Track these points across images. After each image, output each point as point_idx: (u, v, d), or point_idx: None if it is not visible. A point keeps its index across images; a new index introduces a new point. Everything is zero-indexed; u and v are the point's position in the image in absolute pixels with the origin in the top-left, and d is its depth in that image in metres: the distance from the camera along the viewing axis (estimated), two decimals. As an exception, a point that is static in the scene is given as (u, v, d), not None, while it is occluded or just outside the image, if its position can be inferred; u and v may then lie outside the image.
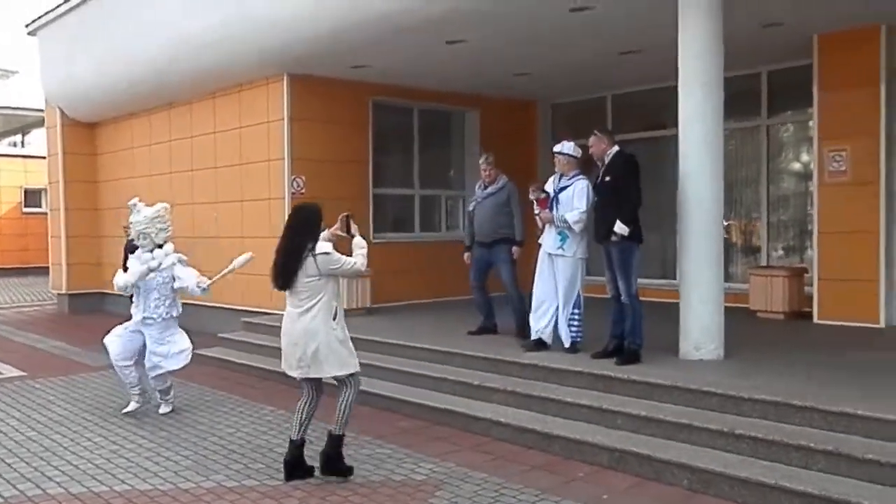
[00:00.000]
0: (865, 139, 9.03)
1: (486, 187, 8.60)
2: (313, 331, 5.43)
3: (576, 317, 7.52)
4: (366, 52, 9.92)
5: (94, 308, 15.28)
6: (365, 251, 5.82)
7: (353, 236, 5.92)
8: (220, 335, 10.70)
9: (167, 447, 6.42)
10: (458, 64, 10.53)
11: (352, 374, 5.62)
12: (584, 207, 7.28)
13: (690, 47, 7.16)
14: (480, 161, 8.71)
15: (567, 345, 7.53)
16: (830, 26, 9.01)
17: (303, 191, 10.85)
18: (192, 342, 7.67)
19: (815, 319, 9.37)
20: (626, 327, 7.01)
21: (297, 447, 5.62)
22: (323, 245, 5.52)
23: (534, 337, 7.76)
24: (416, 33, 9.00)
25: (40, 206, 24.26)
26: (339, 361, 5.52)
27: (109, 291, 14.43)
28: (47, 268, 16.67)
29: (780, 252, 11.21)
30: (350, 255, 5.72)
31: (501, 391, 6.95)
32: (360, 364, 8.32)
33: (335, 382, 5.65)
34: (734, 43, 7.95)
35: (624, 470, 5.65)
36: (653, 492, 5.32)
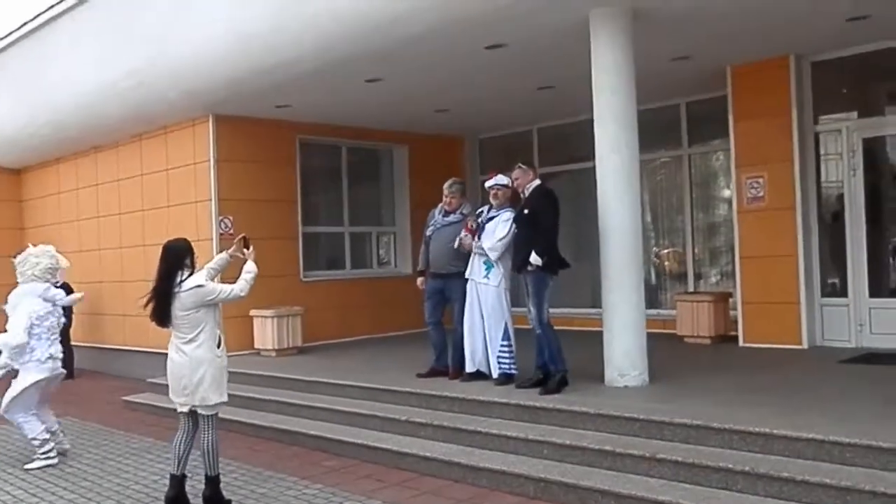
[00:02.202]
0: (780, 166, 9.32)
1: (446, 214, 8.26)
2: (199, 359, 5.55)
3: (506, 348, 7.60)
4: (287, 92, 9.96)
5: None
6: (251, 276, 5.87)
7: (246, 259, 6.00)
8: (148, 380, 10.49)
9: (88, 497, 6.25)
10: (380, 101, 10.64)
11: (214, 414, 5.68)
12: (500, 236, 7.44)
13: (603, 82, 7.34)
14: (445, 186, 8.28)
15: (495, 376, 7.58)
16: (742, 58, 9.32)
17: (231, 231, 10.75)
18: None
19: (741, 343, 9.57)
20: (546, 356, 7.10)
21: (178, 482, 5.67)
22: (195, 278, 5.59)
23: (469, 369, 7.81)
24: (330, 73, 9.09)
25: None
26: (220, 389, 5.65)
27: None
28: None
29: (707, 278, 11.46)
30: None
31: (429, 425, 6.94)
32: (291, 405, 8.37)
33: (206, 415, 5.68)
34: (650, 76, 8.21)
35: (549, 499, 5.67)
36: (577, 520, 5.35)
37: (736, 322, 9.79)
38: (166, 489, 5.78)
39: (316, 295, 11.61)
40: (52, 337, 7.35)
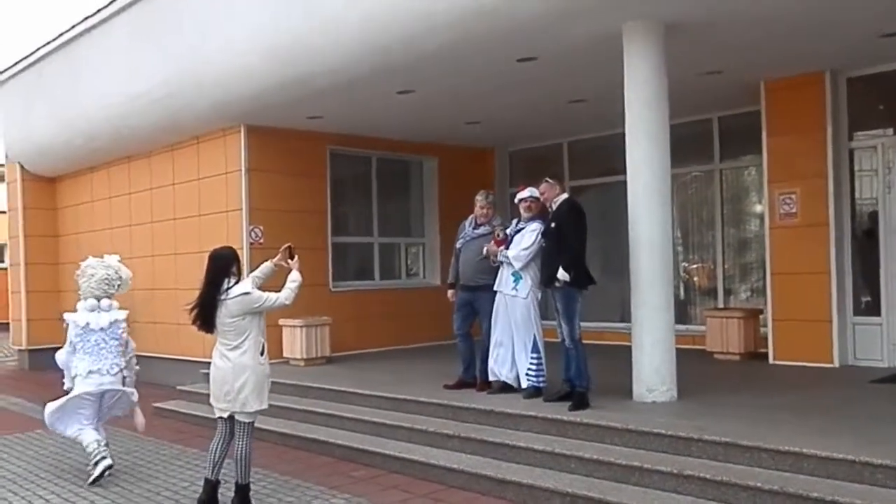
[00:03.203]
0: (814, 181, 9.24)
1: (476, 226, 8.22)
2: (242, 366, 5.64)
3: (534, 361, 7.60)
4: (318, 104, 10.06)
5: (55, 364, 14.98)
6: (296, 285, 5.93)
7: (291, 268, 6.07)
8: (178, 388, 10.59)
9: (119, 503, 6.31)
10: (411, 113, 10.71)
11: (251, 423, 5.77)
12: (525, 246, 7.48)
13: (636, 96, 7.33)
14: (478, 197, 8.25)
15: (524, 386, 7.58)
16: (776, 74, 9.27)
17: (261, 241, 10.88)
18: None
19: (771, 360, 9.48)
20: (572, 372, 7.09)
21: (211, 487, 5.76)
22: (242, 286, 5.69)
23: (494, 379, 7.84)
24: (363, 85, 9.16)
25: (1, 262, 23.97)
26: (261, 396, 5.72)
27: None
28: (8, 323, 16.44)
29: (737, 294, 11.37)
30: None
31: (456, 437, 6.94)
32: (319, 414, 8.40)
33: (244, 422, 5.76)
34: (682, 90, 8.20)
35: (576, 514, 5.66)
36: (604, 535, 5.33)
37: (766, 339, 9.69)
38: (199, 493, 5.85)
39: (344, 305, 11.67)
40: (100, 353, 7.09)
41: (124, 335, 7.34)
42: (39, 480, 7.11)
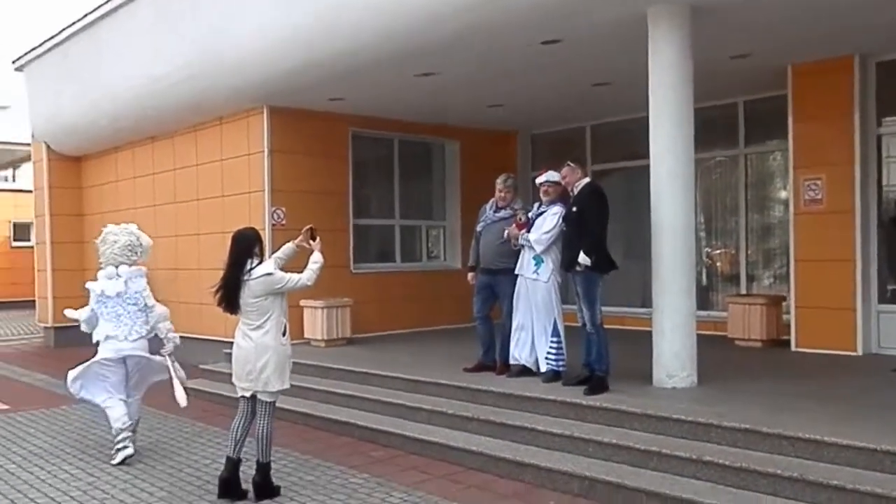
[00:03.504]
0: (840, 168, 9.13)
1: (497, 210, 8.22)
2: (264, 346, 5.70)
3: (554, 345, 7.60)
4: (339, 85, 10.05)
5: (80, 341, 15.11)
6: (318, 266, 5.97)
7: (313, 249, 6.10)
8: (201, 367, 10.69)
9: (142, 479, 6.42)
10: (433, 96, 10.68)
11: (273, 402, 5.82)
12: (546, 229, 7.46)
13: (660, 79, 7.27)
14: (498, 180, 8.23)
15: (544, 370, 7.58)
16: (804, 57, 9.14)
17: (283, 222, 10.93)
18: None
19: (793, 347, 9.41)
20: (592, 356, 7.08)
21: (233, 465, 5.83)
22: (264, 266, 5.73)
23: (514, 362, 7.84)
24: (384, 67, 9.14)
25: (29, 240, 24.25)
26: (282, 376, 5.78)
27: (94, 324, 14.44)
28: (35, 301, 16.65)
29: (759, 280, 11.29)
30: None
31: (475, 420, 6.97)
32: (340, 395, 8.46)
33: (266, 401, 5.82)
34: (708, 74, 8.10)
35: (594, 498, 5.67)
36: (622, 519, 5.34)
37: (789, 326, 9.62)
38: (221, 470, 5.93)
39: (365, 287, 11.72)
40: (118, 319, 7.03)
41: (149, 301, 7.22)
42: (64, 455, 7.23)
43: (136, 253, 7.24)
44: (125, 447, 6.91)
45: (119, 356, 7.06)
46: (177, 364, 7.25)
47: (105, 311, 7.08)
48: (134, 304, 7.11)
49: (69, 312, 7.53)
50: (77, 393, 7.16)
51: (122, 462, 6.85)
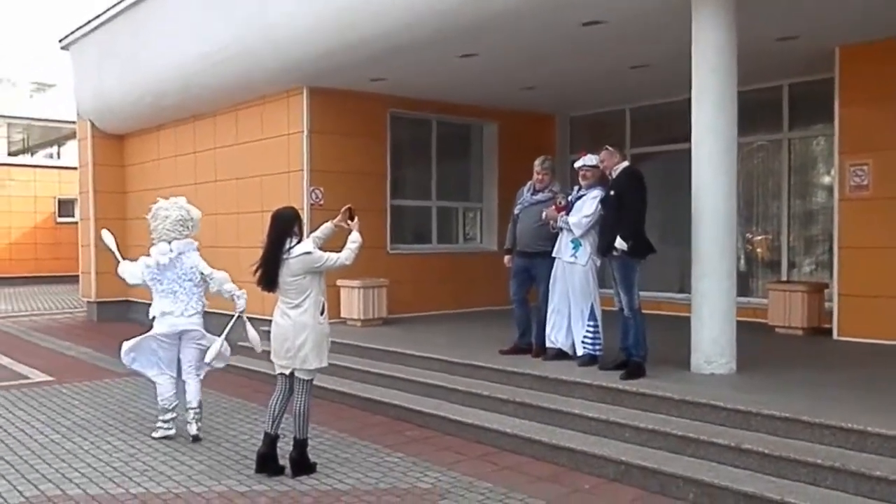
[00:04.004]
0: (888, 154, 8.93)
1: (535, 192, 8.13)
2: (302, 324, 5.76)
3: (591, 329, 7.56)
4: (380, 66, 10.04)
5: (122, 316, 15.51)
6: (356, 246, 6.00)
7: (351, 229, 6.13)
8: (239, 343, 10.79)
9: (182, 452, 6.53)
10: (473, 77, 10.63)
11: (310, 380, 5.90)
12: (586, 213, 7.40)
13: (704, 61, 7.15)
14: (536, 163, 8.14)
15: (580, 354, 7.56)
16: (852, 39, 8.94)
17: (321, 202, 10.98)
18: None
19: (835, 336, 9.26)
20: (630, 341, 7.03)
21: (270, 440, 5.91)
22: (303, 245, 5.77)
23: (550, 345, 7.81)
24: (427, 47, 9.11)
25: (73, 216, 24.70)
26: (320, 355, 5.85)
27: (136, 300, 14.67)
28: (78, 276, 16.98)
29: (802, 267, 11.11)
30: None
31: (510, 402, 6.97)
32: (375, 374, 8.51)
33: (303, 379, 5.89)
34: (753, 56, 7.96)
35: (629, 483, 5.65)
36: (657, 505, 5.32)
37: (831, 314, 9.46)
38: (258, 446, 6.01)
39: (401, 267, 11.75)
40: (176, 294, 6.98)
41: (205, 270, 7.09)
42: (107, 427, 7.37)
43: (188, 227, 7.12)
44: (168, 429, 7.00)
45: (175, 331, 7.02)
46: (248, 323, 7.03)
47: (161, 288, 7.01)
48: (189, 280, 7.04)
49: (107, 237, 7.37)
50: (129, 364, 7.18)
51: (160, 438, 6.96)
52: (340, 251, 5.92)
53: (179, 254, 7.00)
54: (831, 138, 9.65)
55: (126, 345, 7.12)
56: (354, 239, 6.02)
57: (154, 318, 7.06)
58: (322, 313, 5.82)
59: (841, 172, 9.33)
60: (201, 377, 7.16)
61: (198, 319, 7.10)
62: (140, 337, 7.09)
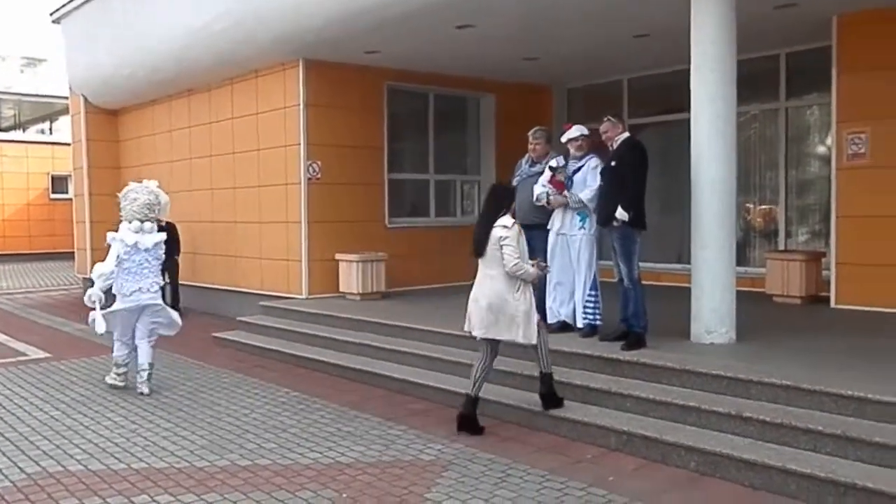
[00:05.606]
0: (886, 122, 8.92)
1: (532, 164, 8.06)
2: (497, 294, 5.99)
3: (591, 298, 7.56)
4: (376, 38, 9.95)
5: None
6: (522, 273, 6.05)
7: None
8: (238, 318, 10.82)
9: (183, 427, 6.55)
10: (470, 49, 10.54)
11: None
12: (595, 185, 7.35)
13: (703, 30, 7.11)
14: (529, 134, 8.13)
15: (580, 326, 7.56)
16: (850, 7, 8.89)
17: (318, 176, 10.94)
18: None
19: (833, 304, 9.30)
20: (629, 312, 7.04)
21: (470, 402, 6.18)
22: (504, 219, 6.08)
23: (553, 319, 7.78)
24: (424, 17, 9.02)
25: (67, 193, 24.59)
26: (510, 327, 6.00)
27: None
28: (73, 252, 16.92)
29: (799, 236, 11.13)
30: None
31: (512, 374, 6.98)
32: (373, 347, 8.53)
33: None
34: (750, 25, 7.90)
35: (631, 452, 5.69)
36: (660, 474, 5.35)
37: (828, 283, 9.49)
38: (461, 405, 6.28)
39: (400, 241, 11.73)
40: (142, 272, 7.67)
41: (163, 256, 7.94)
42: (106, 403, 7.39)
43: (154, 210, 7.84)
44: (121, 381, 7.92)
45: (140, 305, 7.73)
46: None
47: (131, 265, 7.66)
48: (157, 259, 7.82)
49: (94, 293, 7.82)
50: (91, 325, 7.73)
51: (110, 385, 7.92)
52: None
53: (149, 233, 7.74)
54: (828, 107, 9.63)
55: (93, 314, 7.68)
56: (525, 269, 6.07)
57: (120, 295, 7.67)
58: (518, 290, 5.99)
59: (838, 141, 9.31)
60: (152, 343, 7.88)
61: (158, 295, 7.88)
62: (107, 311, 7.67)
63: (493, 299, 5.99)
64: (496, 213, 6.10)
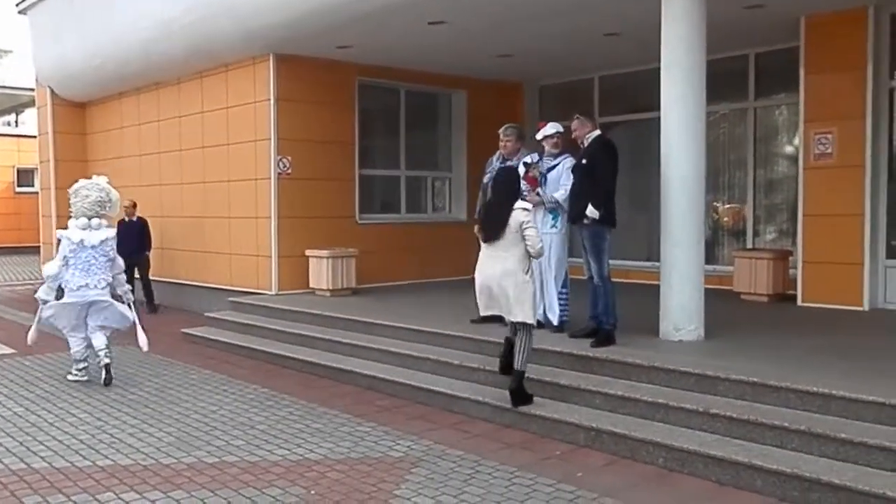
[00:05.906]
0: (852, 122, 9.03)
1: (503, 161, 7.99)
2: (508, 272, 6.05)
3: (563, 295, 7.60)
4: (348, 33, 9.89)
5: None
6: (536, 250, 6.16)
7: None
8: (207, 314, 10.73)
9: (150, 423, 6.47)
10: (442, 45, 10.52)
11: (524, 322, 6.13)
12: (570, 185, 7.36)
13: (673, 30, 7.16)
14: (500, 131, 8.11)
15: (556, 323, 7.58)
16: (817, 7, 8.99)
17: (289, 171, 10.87)
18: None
19: (799, 302, 9.41)
20: (599, 309, 7.07)
21: (517, 376, 6.22)
22: (524, 203, 6.25)
23: None
24: (395, 14, 8.99)
25: (33, 186, 24.21)
26: (522, 308, 6.06)
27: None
28: (39, 247, 16.67)
29: (766, 235, 11.24)
30: None
31: (481, 370, 6.99)
32: (345, 344, 8.50)
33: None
34: (720, 25, 7.95)
35: (600, 448, 5.71)
36: (628, 470, 5.38)
37: (795, 281, 9.60)
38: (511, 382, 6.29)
39: (370, 237, 11.69)
40: (89, 269, 7.71)
41: (112, 252, 7.90)
42: (71, 399, 7.29)
43: (105, 208, 7.91)
44: (82, 376, 7.94)
45: (87, 301, 7.76)
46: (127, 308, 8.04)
47: (78, 261, 7.70)
48: (104, 256, 7.82)
49: (40, 296, 8.05)
50: (45, 319, 7.89)
51: (74, 381, 7.91)
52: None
53: (96, 230, 7.76)
54: (796, 107, 9.73)
55: (42, 308, 7.91)
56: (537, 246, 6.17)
57: (67, 289, 7.73)
58: (527, 272, 6.09)
59: (806, 141, 9.42)
60: (107, 335, 7.92)
61: (106, 291, 7.88)
62: (57, 304, 7.80)
63: (510, 279, 6.05)
64: (514, 197, 6.19)
